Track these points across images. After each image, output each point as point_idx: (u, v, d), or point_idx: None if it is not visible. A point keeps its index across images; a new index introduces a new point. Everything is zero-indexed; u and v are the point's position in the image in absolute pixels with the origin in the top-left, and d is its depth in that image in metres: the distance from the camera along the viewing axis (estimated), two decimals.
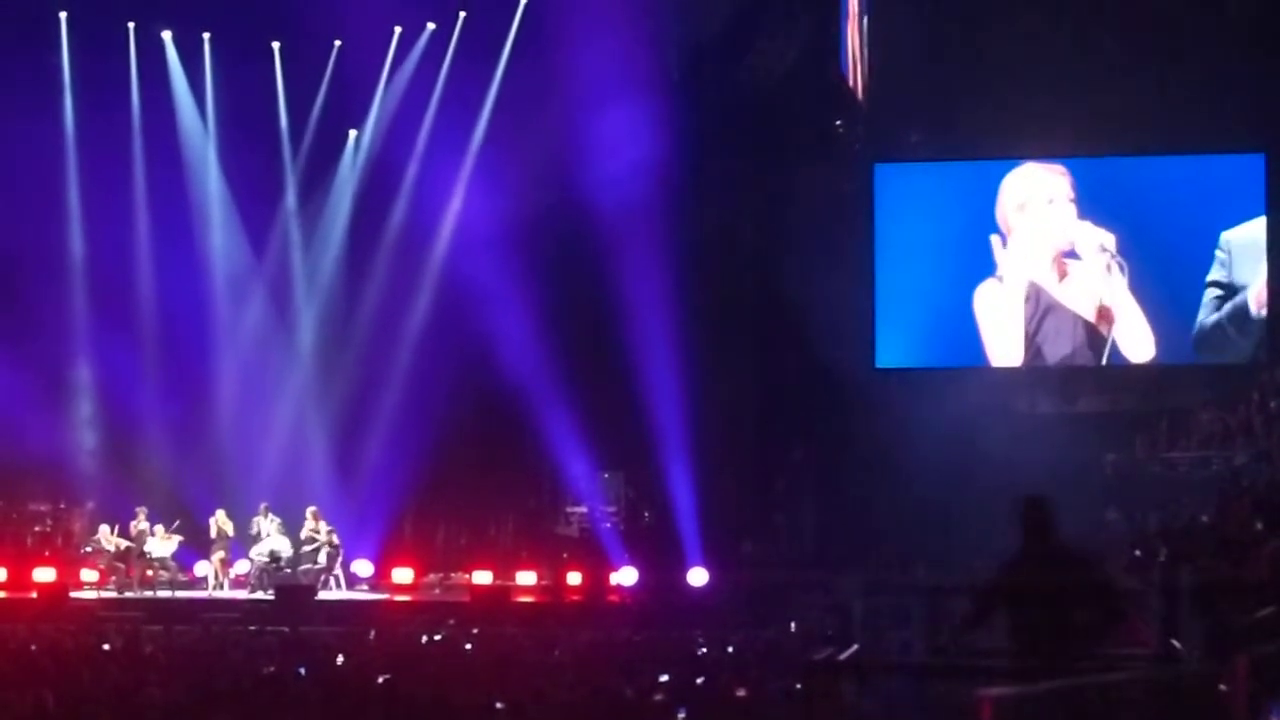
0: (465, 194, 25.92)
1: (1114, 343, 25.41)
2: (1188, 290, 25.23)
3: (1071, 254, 25.52)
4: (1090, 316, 25.44)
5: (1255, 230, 25.06)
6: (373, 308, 26.20)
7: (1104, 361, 25.56)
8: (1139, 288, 25.24)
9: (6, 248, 24.21)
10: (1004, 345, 25.76)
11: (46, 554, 24.18)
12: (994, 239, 25.66)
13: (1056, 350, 25.62)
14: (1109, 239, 25.22)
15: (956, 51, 25.60)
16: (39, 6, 25.16)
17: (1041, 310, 25.59)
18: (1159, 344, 25.30)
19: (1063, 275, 25.55)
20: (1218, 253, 25.03)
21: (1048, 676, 7.76)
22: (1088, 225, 25.36)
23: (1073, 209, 25.51)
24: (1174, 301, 25.26)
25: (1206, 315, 25.15)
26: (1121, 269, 25.24)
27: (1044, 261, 25.59)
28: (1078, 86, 24.83)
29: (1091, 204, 25.45)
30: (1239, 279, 25.05)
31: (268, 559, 23.08)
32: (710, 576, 22.47)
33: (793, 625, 18.93)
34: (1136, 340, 25.37)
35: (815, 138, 25.89)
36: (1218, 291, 25.12)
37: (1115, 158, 25.83)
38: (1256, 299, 25.00)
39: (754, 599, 21.57)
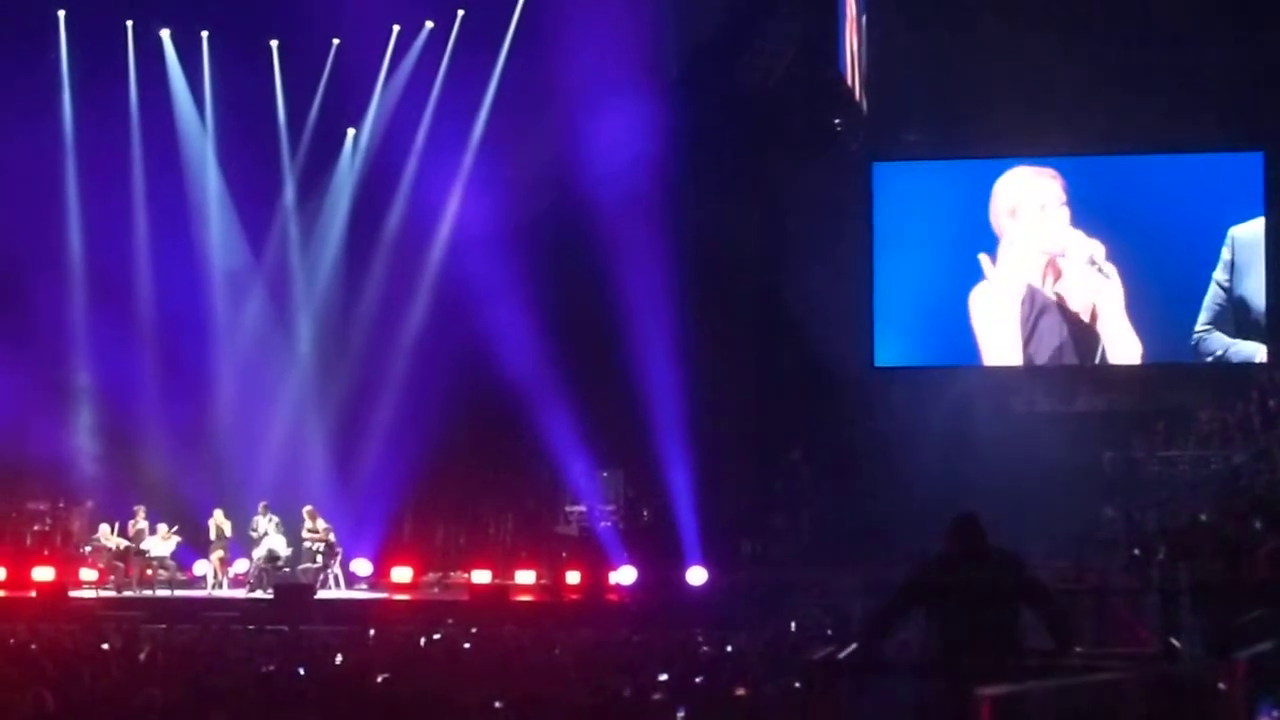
0: (464, 193, 25.92)
1: (1103, 349, 25.46)
2: (1185, 289, 25.25)
3: (1064, 256, 25.55)
4: (1082, 319, 25.47)
5: (1258, 227, 25.07)
6: (371, 306, 26.21)
7: (1096, 363, 25.62)
8: (1135, 288, 25.25)
9: (5, 246, 24.19)
10: (1000, 345, 25.78)
11: (46, 553, 24.16)
12: (983, 257, 25.67)
13: (1050, 351, 25.64)
14: (1099, 250, 25.24)
15: (954, 51, 25.62)
16: (37, 5, 25.15)
17: (1036, 311, 25.62)
18: (1146, 353, 25.35)
19: (1057, 277, 25.59)
20: (1224, 250, 25.02)
21: (990, 675, 7.78)
22: (1079, 235, 25.40)
23: (1065, 213, 25.55)
24: (1171, 301, 25.28)
25: (1207, 321, 25.06)
26: (1107, 278, 25.27)
27: (1037, 265, 25.62)
28: (1075, 86, 24.85)
29: (1087, 205, 25.49)
30: (1241, 278, 25.04)
31: (266, 558, 23.08)
32: (709, 575, 22.46)
33: (792, 624, 18.94)
34: (1124, 349, 25.41)
35: (813, 137, 25.92)
36: (1221, 295, 25.07)
37: (1113, 156, 25.85)
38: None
39: (753, 598, 21.57)
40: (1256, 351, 25.08)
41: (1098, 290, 25.37)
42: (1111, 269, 25.34)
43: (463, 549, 25.39)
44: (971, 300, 25.75)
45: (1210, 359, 25.20)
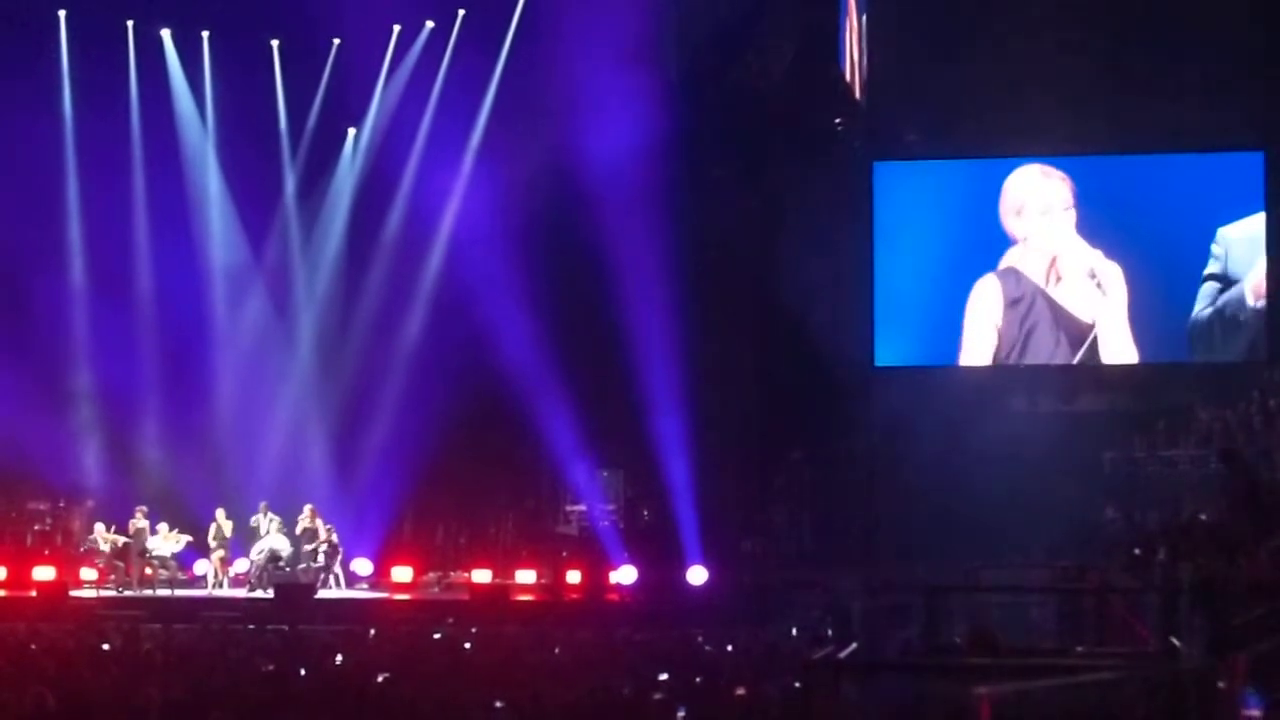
0: (464, 191, 25.92)
1: (1098, 355, 25.46)
2: (1186, 289, 25.25)
3: (1066, 261, 25.54)
4: (1079, 324, 25.46)
5: (1252, 225, 25.09)
6: (372, 306, 26.20)
7: (1092, 364, 25.65)
8: (1139, 288, 25.23)
9: (6, 246, 24.20)
10: (997, 345, 25.74)
11: (46, 552, 24.15)
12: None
13: (1047, 352, 25.62)
14: (1099, 263, 25.23)
15: (955, 50, 25.59)
16: (38, 5, 25.14)
17: (1035, 313, 25.59)
18: (1143, 359, 25.38)
19: (1058, 280, 25.58)
20: (1214, 248, 25.07)
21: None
22: (1082, 244, 25.38)
23: (1070, 216, 25.49)
24: (1172, 300, 25.28)
25: (1202, 309, 25.19)
26: (1105, 295, 25.28)
27: (1040, 266, 25.61)
28: (1076, 85, 24.84)
29: (1090, 204, 25.47)
30: (1235, 273, 25.11)
31: (267, 558, 23.06)
32: (710, 575, 22.45)
33: (792, 624, 18.94)
34: (1120, 356, 25.43)
35: (814, 137, 25.89)
36: (1215, 284, 25.16)
37: (1113, 156, 25.84)
38: (1254, 290, 25.04)
39: (753, 598, 21.58)
40: (1247, 341, 25.09)
41: (1095, 303, 25.39)
42: (1113, 278, 25.28)
43: (463, 548, 25.38)
44: (970, 300, 25.73)
45: (1201, 355, 25.23)
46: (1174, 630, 11.69)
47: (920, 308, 26.01)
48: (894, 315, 26.08)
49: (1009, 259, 25.71)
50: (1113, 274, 25.36)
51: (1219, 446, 20.26)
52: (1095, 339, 25.43)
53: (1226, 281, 25.12)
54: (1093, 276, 25.37)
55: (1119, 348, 25.44)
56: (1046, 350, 25.63)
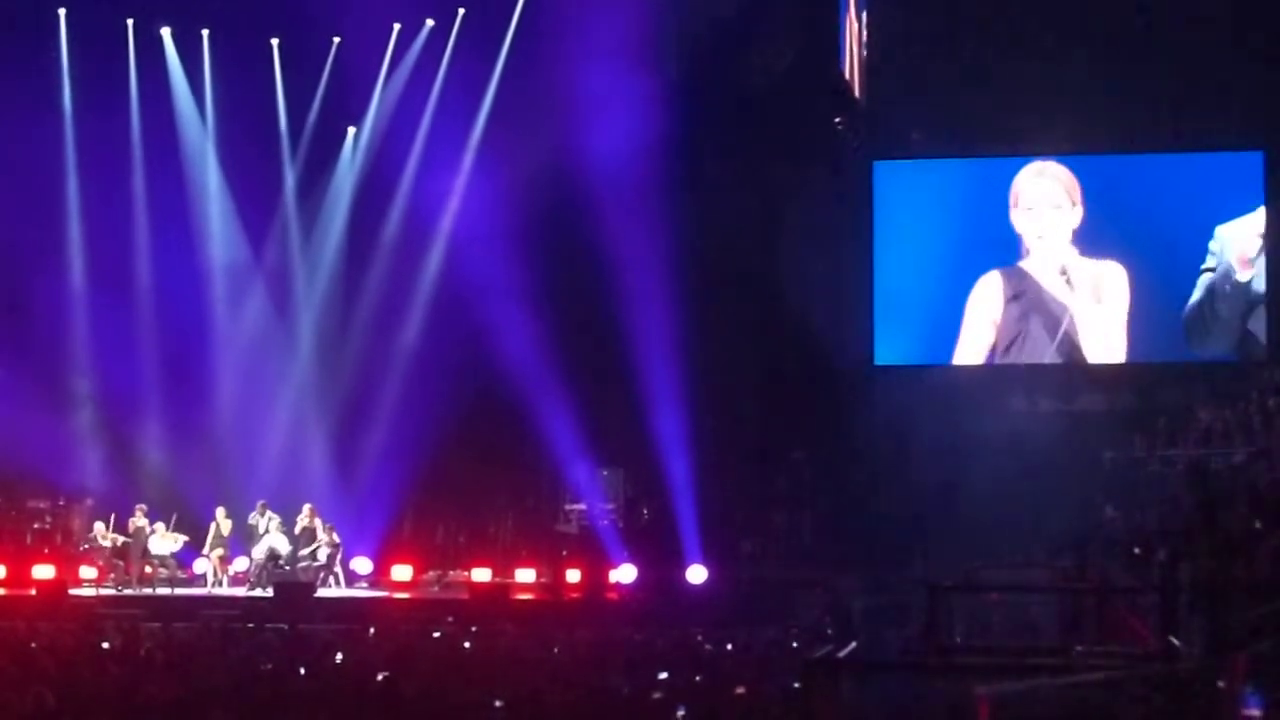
0: (464, 190, 25.93)
1: (1084, 351, 25.48)
2: (1186, 288, 25.26)
3: (1057, 259, 25.56)
4: (1061, 321, 25.48)
5: (1249, 223, 25.11)
6: (372, 304, 26.22)
7: (1090, 363, 25.67)
8: (1140, 287, 25.23)
9: (6, 245, 24.20)
10: (994, 340, 25.75)
11: (46, 551, 24.15)
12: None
13: (1041, 349, 25.62)
14: (1072, 260, 25.25)
15: (955, 49, 25.62)
16: (38, 3, 25.15)
17: (1031, 309, 25.59)
18: (1141, 352, 25.39)
19: (1053, 278, 25.59)
20: (1211, 244, 25.09)
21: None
22: (1066, 244, 25.39)
23: (1068, 214, 25.48)
24: (1172, 299, 25.29)
25: (1195, 299, 25.21)
26: (1073, 289, 25.27)
27: (1038, 264, 25.62)
28: (1077, 84, 24.85)
29: (1090, 203, 25.48)
30: (1230, 274, 25.14)
31: (267, 556, 23.07)
32: (709, 574, 22.46)
33: (792, 623, 18.94)
34: (1111, 352, 25.45)
35: (814, 136, 25.89)
36: (1209, 275, 25.20)
37: (1113, 155, 25.85)
38: (1240, 260, 25.01)
39: (753, 597, 21.58)
40: (1239, 320, 25.14)
41: (1070, 301, 25.42)
42: (1112, 277, 25.28)
43: (463, 547, 25.39)
44: (972, 295, 25.73)
45: (1196, 345, 25.26)
46: (1174, 630, 11.71)
47: (920, 306, 26.02)
48: (894, 314, 26.09)
49: (1009, 259, 25.74)
50: (1112, 273, 25.37)
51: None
52: (1077, 338, 25.45)
53: (1219, 290, 25.13)
54: (1063, 273, 25.40)
55: (1109, 346, 25.43)
56: (1040, 347, 25.63)
